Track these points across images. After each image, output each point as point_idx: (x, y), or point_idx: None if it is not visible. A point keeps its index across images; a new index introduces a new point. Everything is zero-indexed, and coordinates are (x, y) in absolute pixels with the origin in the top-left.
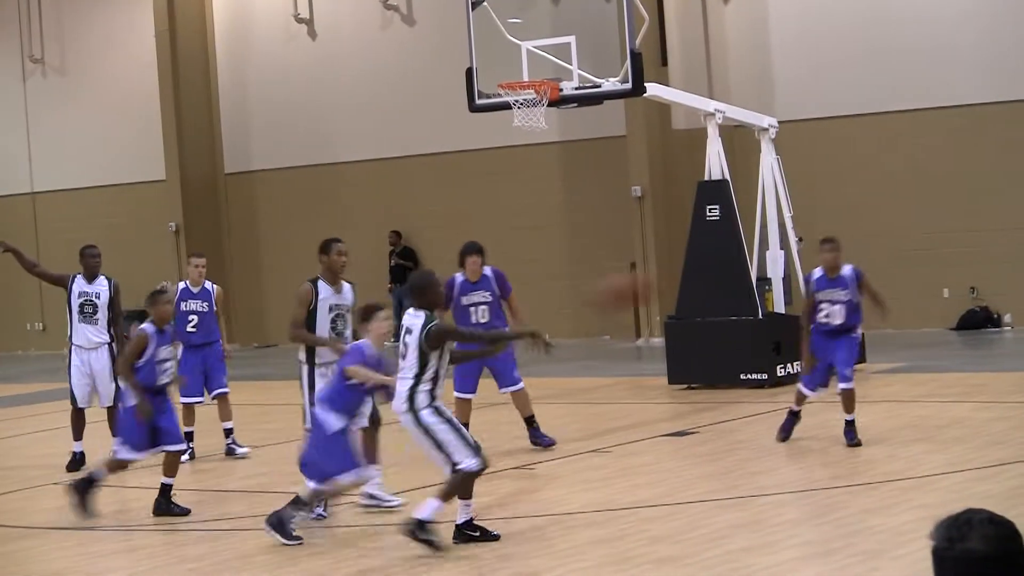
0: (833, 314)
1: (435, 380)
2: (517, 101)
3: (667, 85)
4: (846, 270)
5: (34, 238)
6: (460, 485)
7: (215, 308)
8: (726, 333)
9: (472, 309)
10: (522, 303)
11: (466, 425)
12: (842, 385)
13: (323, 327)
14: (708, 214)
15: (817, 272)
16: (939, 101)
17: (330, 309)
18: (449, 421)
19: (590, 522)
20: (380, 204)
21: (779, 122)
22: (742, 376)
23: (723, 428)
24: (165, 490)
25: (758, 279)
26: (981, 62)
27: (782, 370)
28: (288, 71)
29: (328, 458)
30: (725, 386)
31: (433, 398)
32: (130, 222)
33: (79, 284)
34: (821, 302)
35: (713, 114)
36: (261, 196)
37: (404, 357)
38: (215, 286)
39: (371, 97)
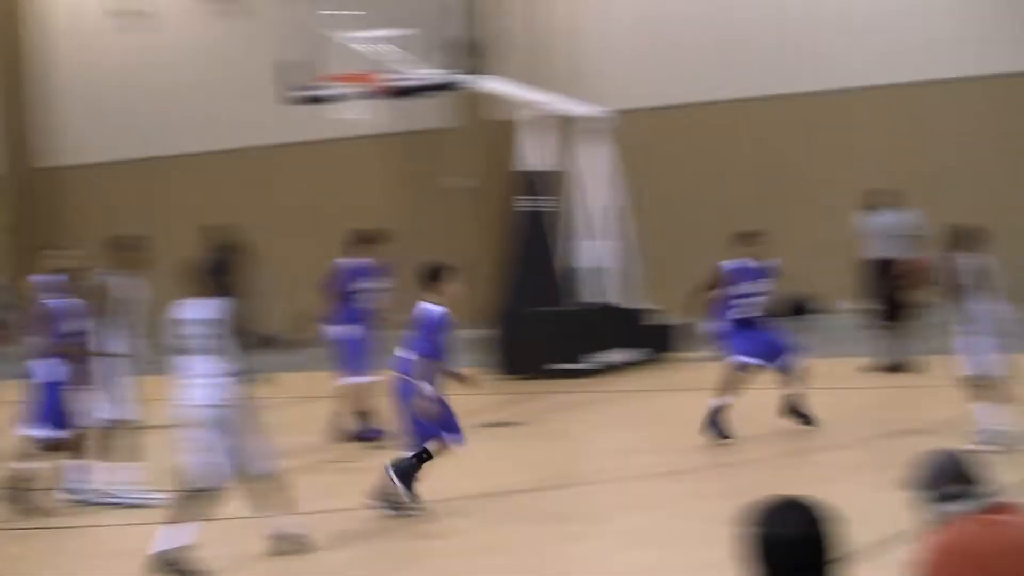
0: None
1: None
2: (337, 94)
3: (497, 76)
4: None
5: None
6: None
7: None
8: (552, 323)
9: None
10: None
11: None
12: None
13: None
14: (536, 205)
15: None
16: (772, 89)
17: None
18: None
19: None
20: (199, 198)
21: (609, 113)
22: (568, 366)
23: (546, 417)
24: None
25: (582, 269)
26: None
27: (599, 359)
28: (109, 64)
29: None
30: (552, 376)
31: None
32: None
33: None
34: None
35: (543, 105)
36: (84, 191)
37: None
38: None
39: (188, 90)
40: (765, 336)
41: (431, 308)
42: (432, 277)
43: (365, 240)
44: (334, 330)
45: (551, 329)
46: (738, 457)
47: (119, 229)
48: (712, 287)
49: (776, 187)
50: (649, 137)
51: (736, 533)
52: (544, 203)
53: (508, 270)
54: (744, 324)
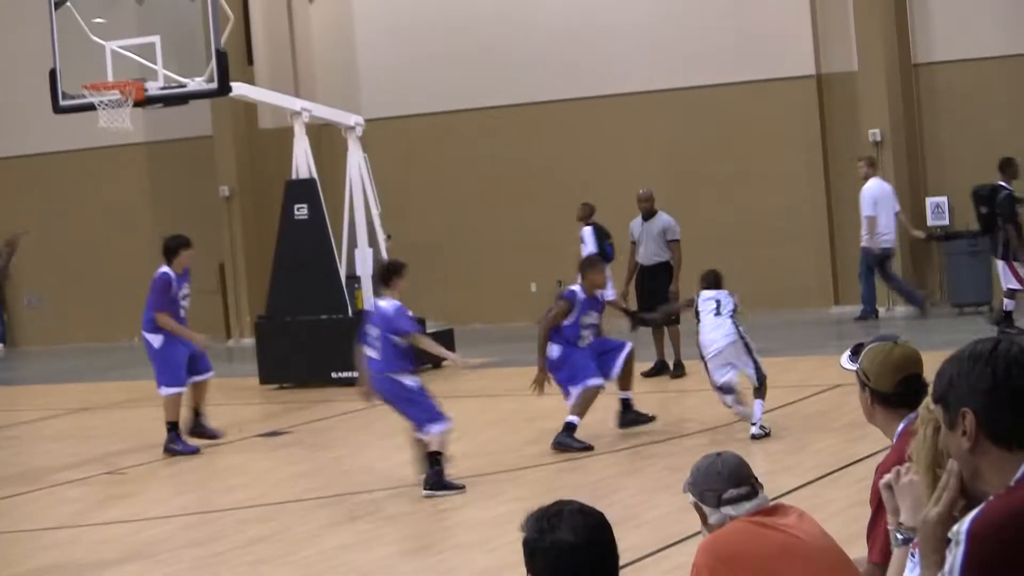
0: None
1: None
2: (102, 102)
3: (253, 84)
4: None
5: None
6: None
7: None
8: (317, 332)
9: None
10: (109, 305)
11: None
12: None
13: None
14: (296, 213)
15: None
16: (524, 98)
17: None
18: None
19: (186, 525)
20: None
21: (365, 120)
22: (333, 375)
23: (316, 427)
24: None
25: (348, 277)
26: (563, 62)
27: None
28: None
29: None
30: (318, 385)
31: None
32: None
33: None
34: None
35: (300, 113)
36: None
37: None
38: None
39: None
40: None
41: (387, 305)
42: (385, 276)
43: (178, 247)
44: (156, 339)
45: (331, 336)
46: (521, 463)
47: None
48: (562, 316)
49: (531, 191)
50: (401, 145)
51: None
52: (313, 210)
53: (277, 278)
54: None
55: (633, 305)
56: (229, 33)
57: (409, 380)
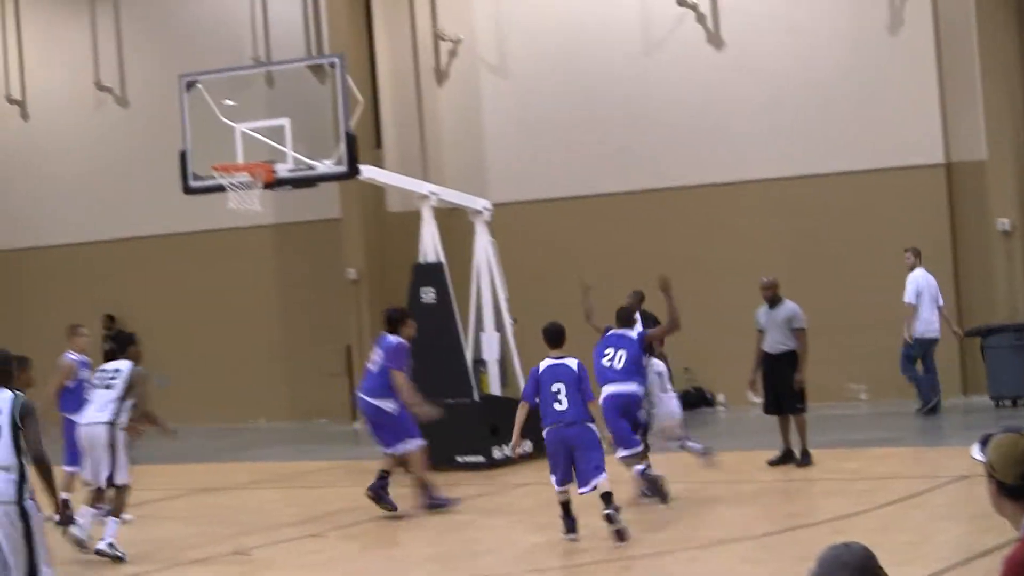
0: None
1: None
2: (231, 183)
3: (381, 167)
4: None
5: None
6: None
7: None
8: (452, 414)
9: None
10: (237, 385)
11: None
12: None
13: None
14: (423, 296)
15: None
16: (649, 184)
17: None
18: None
19: None
20: (91, 288)
21: (492, 204)
22: (458, 458)
23: (442, 510)
24: None
25: (474, 361)
26: (683, 149)
27: (498, 452)
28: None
29: None
30: (442, 468)
31: None
32: None
33: None
34: None
35: (427, 196)
36: None
37: None
38: None
39: (83, 179)
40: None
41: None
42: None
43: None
44: (388, 403)
45: (456, 420)
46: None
47: (18, 320)
48: None
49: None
50: (527, 230)
51: None
52: (439, 294)
53: None
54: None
55: (759, 395)
56: (358, 116)
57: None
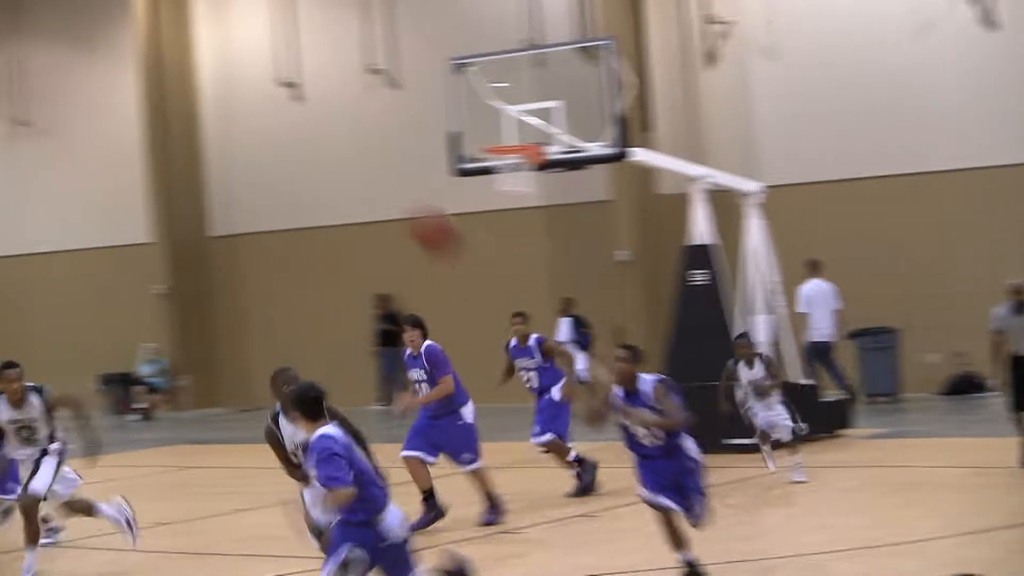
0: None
1: None
2: (502, 165)
3: (652, 149)
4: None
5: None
6: None
7: None
8: (710, 398)
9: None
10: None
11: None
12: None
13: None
14: (693, 279)
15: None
16: (922, 167)
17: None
18: None
19: None
20: (364, 267)
21: (765, 187)
22: (725, 441)
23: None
24: None
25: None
26: (968, 127)
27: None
28: (274, 134)
29: None
30: (710, 451)
31: None
32: (114, 285)
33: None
34: None
35: (698, 179)
36: (246, 259)
37: None
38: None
39: (356, 161)
40: None
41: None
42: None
43: None
44: None
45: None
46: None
47: (301, 297)
48: None
49: (929, 265)
50: (799, 212)
51: None
52: (710, 276)
53: (672, 343)
54: None
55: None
56: (629, 98)
57: None
